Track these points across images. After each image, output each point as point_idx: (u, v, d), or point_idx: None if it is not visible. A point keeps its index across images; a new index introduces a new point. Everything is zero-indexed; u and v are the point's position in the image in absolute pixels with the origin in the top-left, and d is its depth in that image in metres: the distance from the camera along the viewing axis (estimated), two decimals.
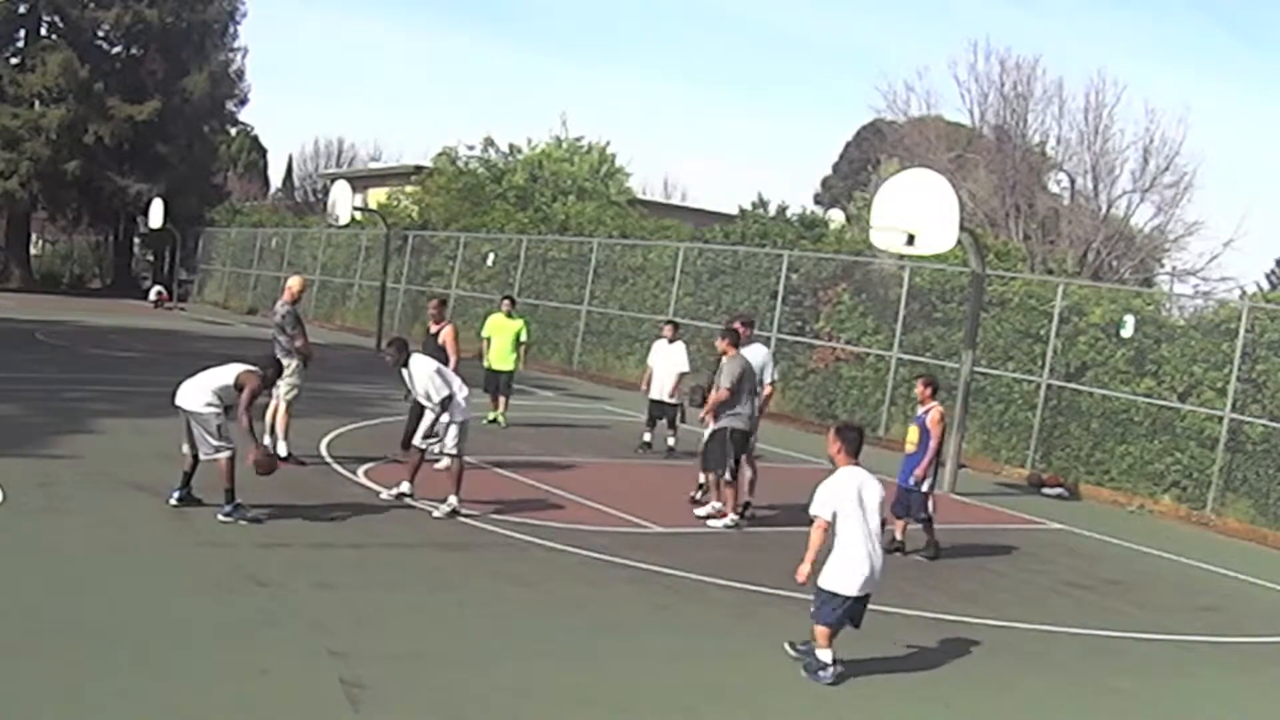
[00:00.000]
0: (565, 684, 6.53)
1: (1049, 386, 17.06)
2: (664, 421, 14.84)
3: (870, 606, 8.57)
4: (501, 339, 16.08)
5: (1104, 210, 27.41)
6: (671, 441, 14.82)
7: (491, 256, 29.03)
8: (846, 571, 6.85)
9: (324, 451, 12.58)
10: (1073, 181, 28.67)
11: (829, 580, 6.87)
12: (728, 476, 10.83)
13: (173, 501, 9.40)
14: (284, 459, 11.62)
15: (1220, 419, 14.98)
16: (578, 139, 38.74)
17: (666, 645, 7.42)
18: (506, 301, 16.82)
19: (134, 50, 43.61)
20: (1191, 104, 76.12)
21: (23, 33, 42.84)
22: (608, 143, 39.11)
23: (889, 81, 64.58)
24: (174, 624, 6.76)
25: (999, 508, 14.13)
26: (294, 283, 12.49)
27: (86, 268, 49.01)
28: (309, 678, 6.18)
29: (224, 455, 9.16)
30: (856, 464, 7.09)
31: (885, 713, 6.75)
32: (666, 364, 14.87)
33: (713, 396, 10.89)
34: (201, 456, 9.24)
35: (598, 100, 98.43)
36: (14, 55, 42.54)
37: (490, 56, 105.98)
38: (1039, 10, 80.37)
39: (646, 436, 15.01)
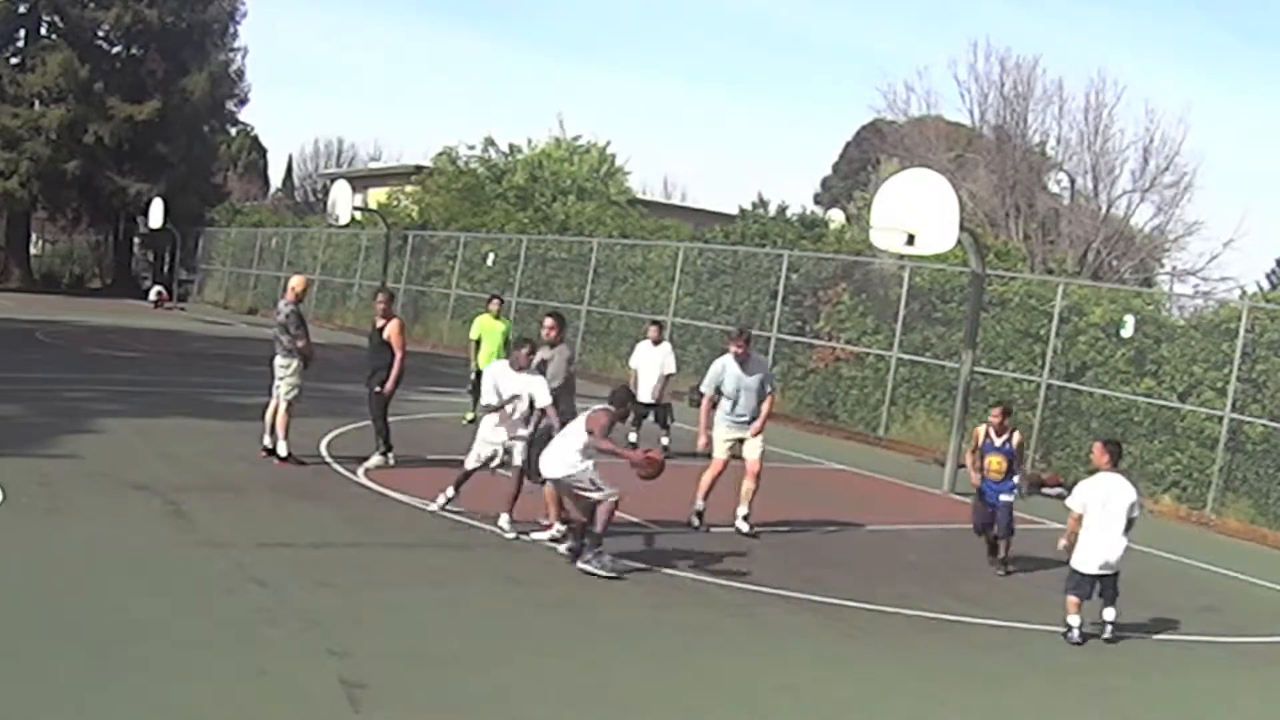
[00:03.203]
0: (565, 684, 6.53)
1: (1049, 386, 17.06)
2: (655, 423, 14.88)
3: (870, 606, 8.63)
4: (491, 341, 15.74)
5: (1104, 210, 27.38)
6: (665, 441, 14.84)
7: (491, 256, 29.03)
8: (1086, 555, 8.47)
9: (324, 451, 12.57)
10: (1073, 181, 28.66)
11: (1075, 560, 8.51)
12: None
13: (563, 551, 9.11)
14: (284, 459, 11.64)
15: (1220, 419, 14.97)
16: (576, 138, 38.77)
17: (666, 645, 7.41)
18: (495, 301, 16.30)
19: (134, 50, 43.58)
20: (1191, 104, 76.32)
21: (23, 33, 42.80)
22: (607, 143, 39.13)
23: (889, 81, 64.45)
24: (174, 624, 6.75)
25: None
26: (297, 282, 12.46)
27: (86, 268, 48.95)
28: (309, 678, 6.18)
29: (613, 499, 8.75)
30: (1115, 471, 8.63)
31: (885, 713, 6.75)
32: (653, 365, 14.91)
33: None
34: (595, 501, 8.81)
35: (597, 100, 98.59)
36: (14, 55, 42.51)
37: (490, 56, 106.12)
38: (1039, 10, 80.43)
39: (632, 437, 15.00)
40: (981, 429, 10.61)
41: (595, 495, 8.74)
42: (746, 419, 10.82)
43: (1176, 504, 15.28)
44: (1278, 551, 13.47)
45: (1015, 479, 10.44)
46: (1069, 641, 8.37)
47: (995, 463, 10.40)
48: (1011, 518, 10.42)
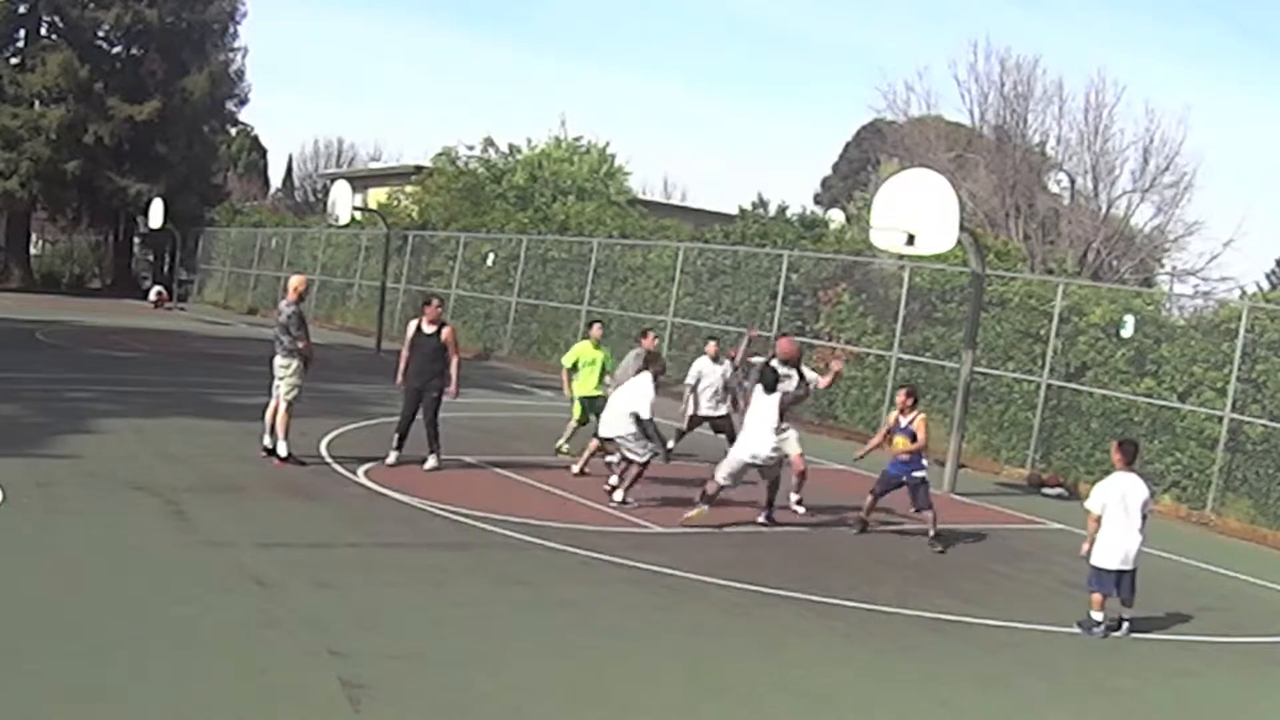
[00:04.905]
0: (565, 684, 6.53)
1: (1049, 386, 17.06)
2: (718, 434, 13.89)
3: (870, 606, 8.63)
4: (591, 369, 14.25)
5: (1104, 210, 27.40)
6: (671, 444, 14.69)
7: (491, 256, 29.03)
8: (1107, 551, 8.58)
9: (324, 451, 12.57)
10: (1073, 181, 28.68)
11: (1096, 558, 8.62)
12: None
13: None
14: (284, 459, 11.64)
15: (1220, 419, 14.97)
16: (577, 139, 38.76)
17: (666, 645, 7.42)
18: (597, 327, 15.05)
19: (134, 50, 43.58)
20: (1191, 104, 76.29)
21: (23, 33, 42.80)
22: (607, 143, 39.09)
23: (889, 81, 64.39)
24: (174, 624, 6.76)
25: (999, 508, 14.12)
26: (297, 282, 12.44)
27: (86, 268, 48.92)
28: (309, 678, 6.18)
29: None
30: (1130, 470, 8.78)
31: (885, 713, 6.75)
32: (716, 380, 13.87)
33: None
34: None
35: (598, 100, 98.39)
36: (14, 55, 42.51)
37: (490, 56, 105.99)
38: (1039, 10, 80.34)
39: (671, 444, 14.14)
40: (894, 412, 11.23)
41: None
42: None
43: (1176, 504, 15.28)
44: (1278, 551, 13.47)
45: (920, 467, 10.91)
46: (1093, 636, 8.53)
47: (900, 443, 10.93)
48: (927, 493, 11.00)
